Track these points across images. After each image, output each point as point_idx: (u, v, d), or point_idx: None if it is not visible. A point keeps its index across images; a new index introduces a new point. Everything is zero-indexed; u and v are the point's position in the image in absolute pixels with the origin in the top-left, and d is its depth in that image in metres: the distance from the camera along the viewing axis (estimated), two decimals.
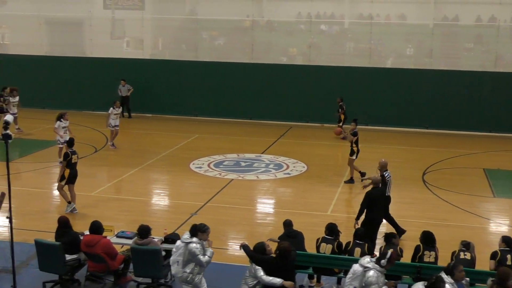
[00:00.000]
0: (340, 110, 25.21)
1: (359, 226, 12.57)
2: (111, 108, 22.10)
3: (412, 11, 29.04)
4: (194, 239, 10.14)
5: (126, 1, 30.00)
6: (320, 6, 28.59)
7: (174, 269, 10.20)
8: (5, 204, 14.23)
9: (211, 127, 26.95)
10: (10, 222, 10.74)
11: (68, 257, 11.16)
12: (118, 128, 22.42)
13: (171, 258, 10.26)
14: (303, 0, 28.22)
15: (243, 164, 20.90)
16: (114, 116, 22.14)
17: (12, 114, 23.66)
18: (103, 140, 23.68)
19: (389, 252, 9.13)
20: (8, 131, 10.78)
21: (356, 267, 9.22)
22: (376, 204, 13.01)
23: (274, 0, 29.57)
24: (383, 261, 9.04)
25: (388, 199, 14.11)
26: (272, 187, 18.55)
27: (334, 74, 27.65)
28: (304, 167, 20.62)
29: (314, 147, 23.70)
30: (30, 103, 27.18)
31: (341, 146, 23.72)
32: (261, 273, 9.70)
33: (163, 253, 11.24)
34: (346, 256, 10.96)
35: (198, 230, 10.25)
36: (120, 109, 22.69)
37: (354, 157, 18.65)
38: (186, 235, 10.27)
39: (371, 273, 9.01)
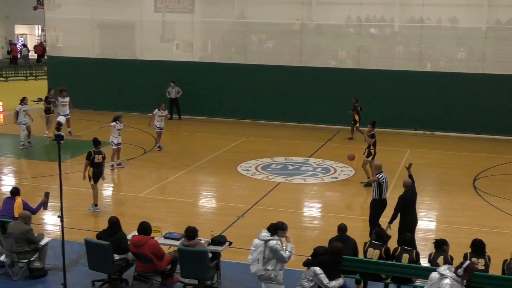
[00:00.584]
0: (354, 110, 24.99)
1: (391, 229, 12.46)
2: (156, 110, 22.29)
3: (464, 15, 28.54)
4: (274, 236, 10.26)
5: (176, 5, 30.30)
6: (370, 10, 28.34)
7: (255, 267, 10.23)
8: (57, 204, 14.52)
9: (259, 130, 26.99)
10: (61, 221, 10.95)
11: (117, 256, 11.33)
12: (162, 130, 22.59)
13: (250, 257, 10.29)
14: (353, 4, 28.01)
15: (290, 167, 20.88)
16: (159, 118, 22.29)
17: (64, 115, 24.14)
18: (152, 141, 23.93)
19: (467, 262, 9.08)
20: (60, 132, 10.99)
21: (433, 274, 9.20)
22: (410, 207, 12.85)
23: (323, 4, 29.44)
24: (459, 270, 8.96)
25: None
26: (320, 191, 18.48)
27: (383, 77, 27.41)
28: (352, 171, 20.48)
29: (363, 151, 23.44)
30: (81, 105, 27.67)
31: (391, 151, 23.48)
32: (326, 280, 9.81)
33: (210, 254, 11.30)
34: (394, 262, 10.83)
35: (278, 228, 10.39)
36: (166, 112, 22.75)
37: (369, 159, 18.69)
38: (264, 233, 10.35)
39: (446, 281, 8.93)
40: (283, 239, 10.41)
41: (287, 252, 10.19)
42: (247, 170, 20.29)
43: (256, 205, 16.68)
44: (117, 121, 19.78)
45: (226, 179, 19.63)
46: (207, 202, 17.63)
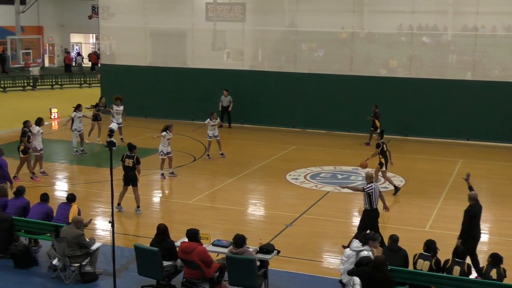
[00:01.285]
0: (373, 116, 25.02)
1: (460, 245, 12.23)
2: (208, 119, 22.43)
3: None
4: (365, 247, 10.23)
5: (227, 13, 30.53)
6: (422, 18, 28.00)
7: (346, 278, 10.22)
8: (108, 209, 14.78)
9: (308, 138, 26.93)
10: (112, 226, 11.13)
11: (165, 263, 11.45)
12: (218, 138, 22.71)
13: (341, 267, 10.28)
14: (405, 12, 27.73)
15: (339, 176, 20.76)
16: (211, 127, 22.42)
17: (117, 123, 24.55)
18: (202, 149, 24.12)
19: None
20: (112, 139, 11.18)
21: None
22: (476, 220, 12.62)
23: (375, 12, 29.22)
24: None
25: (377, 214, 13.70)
26: None
27: (436, 87, 27.03)
28: (402, 181, 20.24)
29: (413, 161, 23.21)
30: (133, 112, 28.09)
31: (443, 161, 23.15)
32: None
33: (258, 263, 11.31)
34: (444, 274, 10.66)
35: (369, 239, 10.37)
36: (218, 120, 22.82)
37: (383, 168, 18.81)
38: (356, 243, 10.36)
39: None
40: (375, 250, 10.33)
41: None
42: (296, 178, 20.27)
43: (305, 214, 16.64)
44: (167, 131, 19.90)
45: (275, 187, 19.64)
46: (256, 210, 17.66)
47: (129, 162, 16.32)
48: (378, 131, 24.39)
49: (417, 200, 18.26)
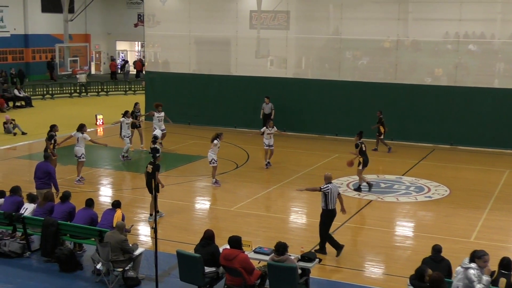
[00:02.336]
0: (379, 122, 25.22)
1: None
2: (264, 128, 22.54)
3: None
4: (473, 264, 10.16)
5: (271, 21, 30.64)
6: (469, 26, 27.61)
7: None
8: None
9: (351, 147, 26.64)
10: (155, 232, 11.25)
11: (207, 269, 11.51)
12: (273, 147, 22.69)
13: (454, 283, 10.25)
14: (451, 20, 27.39)
15: (382, 185, 20.60)
16: (268, 135, 22.43)
17: (160, 130, 24.85)
18: (244, 156, 24.22)
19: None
20: (156, 145, 11.32)
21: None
22: None
23: (420, 20, 28.91)
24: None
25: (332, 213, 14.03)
26: (412, 210, 18.12)
27: (482, 95, 26.63)
28: (446, 190, 19.97)
29: (459, 171, 22.89)
30: (176, 119, 28.35)
31: (489, 171, 22.77)
32: None
33: (299, 271, 11.29)
34: (491, 286, 10.46)
35: (475, 257, 10.28)
36: (274, 129, 22.75)
37: (360, 167, 19.47)
38: (465, 260, 10.31)
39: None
40: (484, 270, 10.18)
41: (480, 284, 9.93)
42: (339, 187, 20.11)
43: (347, 222, 16.54)
44: (218, 139, 19.92)
45: (317, 195, 19.41)
46: (298, 218, 17.63)
47: (149, 168, 16.34)
48: (382, 136, 25.17)
49: (462, 210, 17.99)
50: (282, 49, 30.66)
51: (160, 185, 15.85)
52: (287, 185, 20.47)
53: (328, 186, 13.96)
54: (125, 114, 23.48)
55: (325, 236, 14.15)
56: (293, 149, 26.14)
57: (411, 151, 26.02)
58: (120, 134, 23.43)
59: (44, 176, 16.37)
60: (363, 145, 19.70)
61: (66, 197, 14.12)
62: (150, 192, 16.37)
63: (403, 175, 21.95)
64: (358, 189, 19.70)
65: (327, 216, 14.05)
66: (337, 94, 28.63)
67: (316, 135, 28.19)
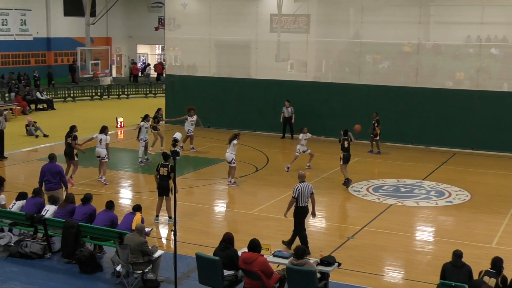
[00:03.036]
0: (376, 124, 25.34)
1: None
2: (302, 134, 22.72)
3: None
4: None
5: (291, 25, 30.63)
6: (491, 29, 27.39)
7: None
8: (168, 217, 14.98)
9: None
10: (175, 235, 11.29)
11: (226, 272, 11.52)
12: (309, 151, 22.88)
13: None
14: (473, 23, 27.20)
15: (403, 189, 20.49)
16: (305, 141, 22.74)
17: (189, 134, 25.04)
18: (264, 159, 24.21)
19: None
20: (176, 148, 11.36)
21: None
22: None
23: (441, 23, 28.74)
24: None
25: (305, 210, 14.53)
26: (433, 215, 18.00)
27: (504, 99, 26.41)
28: (467, 195, 19.82)
29: (480, 176, 22.71)
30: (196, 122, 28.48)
31: None
32: None
33: (318, 275, 11.26)
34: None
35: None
36: (309, 135, 22.89)
37: (341, 163, 20.51)
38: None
39: None
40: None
41: None
42: (358, 191, 20.11)
43: (367, 226, 16.48)
44: (236, 139, 20.27)
45: (337, 199, 19.53)
46: (317, 221, 17.56)
47: (163, 171, 16.29)
48: (378, 138, 25.43)
49: (483, 215, 17.84)
50: (302, 53, 30.64)
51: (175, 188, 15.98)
52: None
53: (298, 186, 14.34)
54: (144, 118, 23.57)
55: (300, 234, 14.50)
56: (313, 152, 26.01)
57: (432, 156, 25.86)
58: (138, 137, 23.50)
59: (55, 176, 16.49)
60: (345, 142, 20.57)
61: (87, 199, 14.22)
62: (163, 194, 16.40)
63: (423, 179, 21.82)
64: (348, 182, 20.33)
65: (298, 213, 14.49)
66: (357, 98, 28.53)
67: (336, 139, 27.99)
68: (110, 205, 13.91)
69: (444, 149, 26.79)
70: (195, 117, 25.57)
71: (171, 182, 15.98)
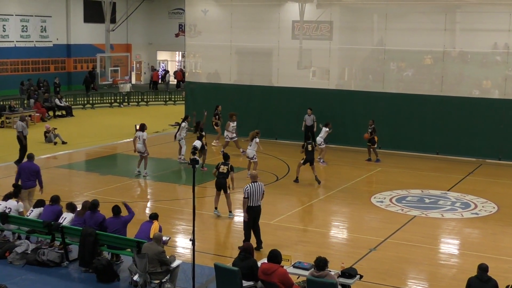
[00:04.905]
0: (371, 132, 25.59)
1: None
2: (325, 128, 24.58)
3: None
4: None
5: (314, 32, 30.61)
6: None
7: None
8: (189, 227, 15.01)
9: (394, 160, 26.51)
10: (193, 244, 11.29)
11: (245, 283, 11.48)
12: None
13: None
14: (501, 30, 26.98)
15: (427, 200, 20.34)
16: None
17: (231, 138, 26.21)
18: (285, 169, 24.17)
19: None
20: (195, 156, 11.37)
21: None
22: None
23: (468, 31, 28.55)
24: None
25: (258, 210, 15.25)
26: (458, 227, 17.84)
27: None
28: (494, 207, 19.60)
29: (507, 187, 22.47)
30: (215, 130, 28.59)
31: None
32: None
33: (339, 287, 11.19)
34: None
35: None
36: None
37: (301, 161, 21.84)
38: None
39: None
40: None
41: None
42: (381, 201, 19.99)
43: (390, 238, 16.37)
44: (257, 137, 22.26)
45: (359, 210, 19.43)
46: (339, 232, 17.51)
47: (223, 169, 17.79)
48: (375, 146, 25.80)
49: (511, 228, 17.64)
50: (325, 60, 30.56)
51: (232, 185, 17.81)
52: (328, 199, 20.37)
53: (247, 186, 15.11)
54: (185, 119, 25.03)
55: (246, 230, 15.18)
56: (335, 162, 25.99)
57: (457, 166, 25.64)
58: (175, 138, 24.79)
59: (32, 175, 17.16)
60: (309, 145, 21.84)
61: (95, 206, 14.14)
62: (219, 190, 17.77)
63: (448, 190, 21.64)
64: (296, 180, 21.90)
65: (248, 212, 15.08)
66: (380, 107, 28.38)
67: (359, 148, 27.92)
68: (117, 210, 13.96)
69: (470, 159, 26.56)
70: (235, 123, 26.67)
71: (228, 180, 17.75)
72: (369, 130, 25.66)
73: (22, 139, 23.72)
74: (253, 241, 14.66)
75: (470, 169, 25.06)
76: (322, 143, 25.06)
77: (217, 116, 28.01)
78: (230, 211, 17.90)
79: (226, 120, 27.73)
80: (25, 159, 18.16)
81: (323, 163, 25.00)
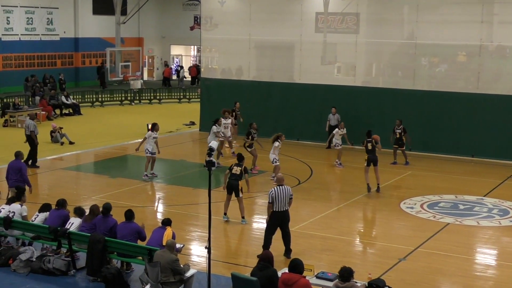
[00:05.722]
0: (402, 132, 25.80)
1: None
2: (336, 129, 25.10)
3: None
4: None
5: (339, 24, 30.52)
6: None
7: None
8: (205, 234, 15.03)
9: (426, 163, 26.39)
10: (209, 253, 11.30)
11: None
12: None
13: None
14: None
15: (461, 207, 20.23)
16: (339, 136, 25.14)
17: (225, 137, 25.67)
18: (307, 172, 24.15)
19: None
20: (211, 158, 11.38)
21: None
22: None
23: (507, 23, 28.32)
24: None
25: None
26: (495, 236, 17.73)
27: None
28: None
29: None
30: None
31: None
32: None
33: None
34: None
35: None
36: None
37: (365, 165, 21.62)
38: None
39: None
40: None
41: None
42: (412, 207, 19.91)
43: (421, 247, 16.30)
44: (279, 140, 21.95)
45: (387, 216, 19.37)
46: (365, 241, 17.46)
47: (236, 170, 17.80)
48: (404, 147, 25.90)
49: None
50: (351, 55, 30.51)
51: (247, 188, 18.10)
52: (353, 204, 20.31)
53: (272, 191, 15.05)
54: (216, 122, 24.67)
55: (266, 237, 15.19)
56: (361, 164, 25.83)
57: (494, 169, 25.48)
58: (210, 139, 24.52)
59: (16, 173, 17.69)
60: (369, 144, 21.86)
61: (107, 209, 14.19)
62: (230, 193, 17.82)
63: (484, 196, 21.51)
64: (368, 189, 21.43)
65: (273, 217, 15.11)
66: (411, 105, 28.26)
67: (388, 149, 27.83)
68: (130, 215, 13.98)
69: (508, 162, 26.36)
70: (229, 120, 26.28)
71: (241, 182, 17.75)
72: (398, 131, 25.57)
73: (34, 139, 23.94)
74: (275, 248, 14.63)
75: (509, 173, 24.89)
76: (338, 144, 25.40)
77: (234, 114, 27.88)
78: (243, 217, 17.88)
79: (245, 118, 27.82)
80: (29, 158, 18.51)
81: (339, 165, 25.07)
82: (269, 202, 15.07)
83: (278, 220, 15.15)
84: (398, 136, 25.65)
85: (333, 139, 25.43)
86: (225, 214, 18.02)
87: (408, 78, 29.23)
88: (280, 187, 15.14)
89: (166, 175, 23.70)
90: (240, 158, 18.36)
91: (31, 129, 24.04)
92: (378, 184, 21.60)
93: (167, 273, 12.26)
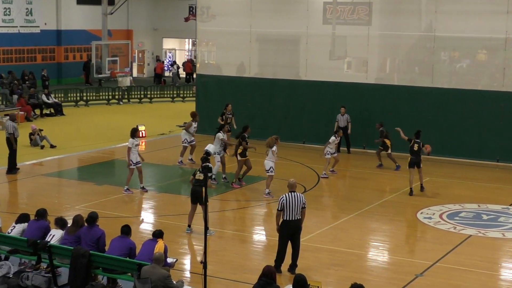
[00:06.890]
0: (381, 136, 26.07)
1: None
2: (333, 137, 24.16)
3: None
4: None
5: (350, 15, 30.54)
6: None
7: None
8: (200, 247, 15.06)
9: (445, 168, 26.42)
10: (204, 268, 11.31)
11: None
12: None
13: None
14: None
15: (485, 217, 20.24)
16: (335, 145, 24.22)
17: (190, 142, 25.68)
18: (314, 178, 24.15)
19: None
20: (208, 163, 11.40)
21: None
22: None
23: None
24: None
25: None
26: None
27: None
28: None
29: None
30: (234, 131, 28.59)
31: None
32: None
33: None
34: None
35: None
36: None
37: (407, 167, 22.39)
38: None
39: None
40: None
41: None
42: (430, 218, 19.92)
43: (440, 262, 16.31)
44: (275, 145, 21.52)
45: (403, 227, 19.39)
46: (378, 254, 17.46)
47: (200, 176, 17.30)
48: (390, 151, 26.04)
49: None
50: (363, 49, 30.49)
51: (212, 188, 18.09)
52: (365, 214, 20.32)
53: (282, 197, 14.97)
54: (220, 129, 23.90)
55: (280, 250, 15.19)
56: (374, 170, 25.94)
57: None
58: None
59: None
60: (416, 145, 22.32)
61: (93, 219, 14.18)
62: (194, 202, 17.42)
63: (511, 205, 21.52)
64: (410, 192, 22.11)
65: (283, 227, 15.09)
66: (429, 104, 28.29)
67: (403, 153, 27.85)
68: (127, 230, 13.97)
69: None
70: (195, 124, 26.08)
71: (209, 183, 17.56)
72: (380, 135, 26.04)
73: (13, 142, 23.91)
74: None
75: None
76: (328, 153, 24.17)
77: (223, 117, 26.98)
78: (208, 228, 17.35)
79: (246, 119, 27.79)
80: None
81: (325, 176, 24.31)
82: (278, 210, 15.01)
83: (290, 231, 15.10)
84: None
85: (326, 147, 24.25)
86: (189, 226, 17.78)
87: (426, 74, 29.24)
88: (292, 193, 15.04)
89: (158, 182, 23.71)
90: (205, 160, 17.59)
91: (10, 131, 24.02)
92: (421, 184, 22.47)
93: None
